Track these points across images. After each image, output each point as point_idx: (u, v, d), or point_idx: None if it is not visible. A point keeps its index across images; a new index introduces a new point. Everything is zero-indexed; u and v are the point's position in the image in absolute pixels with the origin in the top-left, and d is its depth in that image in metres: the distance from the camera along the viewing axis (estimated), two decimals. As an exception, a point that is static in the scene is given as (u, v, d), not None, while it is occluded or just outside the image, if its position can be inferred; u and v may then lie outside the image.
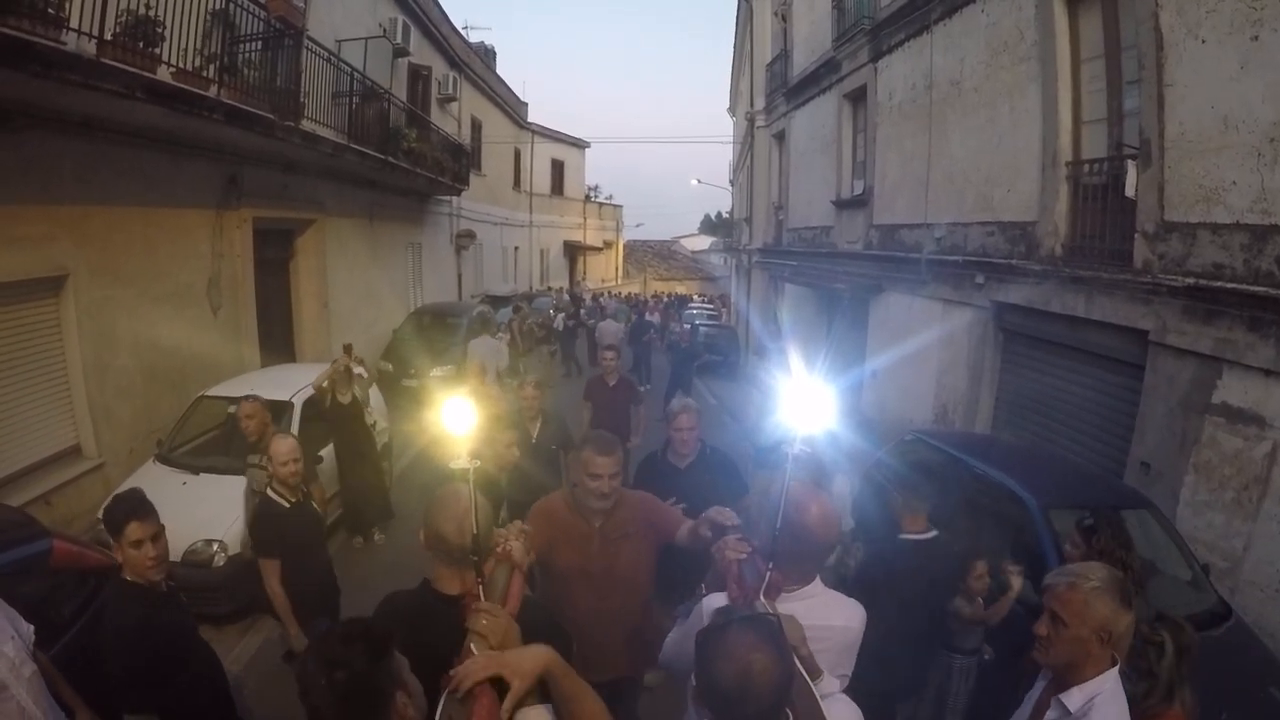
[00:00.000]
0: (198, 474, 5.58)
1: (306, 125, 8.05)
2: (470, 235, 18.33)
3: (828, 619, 2.08)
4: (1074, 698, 1.97)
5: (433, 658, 1.58)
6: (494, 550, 2.09)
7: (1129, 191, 5.80)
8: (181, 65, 5.84)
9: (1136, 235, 5.69)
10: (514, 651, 1.58)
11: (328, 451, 5.91)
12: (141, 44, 5.43)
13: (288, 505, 3.67)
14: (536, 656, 1.53)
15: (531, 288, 25.79)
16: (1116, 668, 1.99)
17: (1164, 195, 5.44)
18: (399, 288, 13.98)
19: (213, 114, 6.07)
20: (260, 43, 7.26)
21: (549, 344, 15.85)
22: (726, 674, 1.41)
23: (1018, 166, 7.16)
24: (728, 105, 31.31)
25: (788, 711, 1.52)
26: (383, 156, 10.02)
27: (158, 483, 5.44)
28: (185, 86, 5.80)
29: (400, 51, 12.50)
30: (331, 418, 5.91)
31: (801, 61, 13.87)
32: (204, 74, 6.14)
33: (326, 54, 8.23)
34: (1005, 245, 7.30)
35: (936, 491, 5.01)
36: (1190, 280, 5.08)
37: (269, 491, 3.69)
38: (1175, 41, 5.29)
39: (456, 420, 1.92)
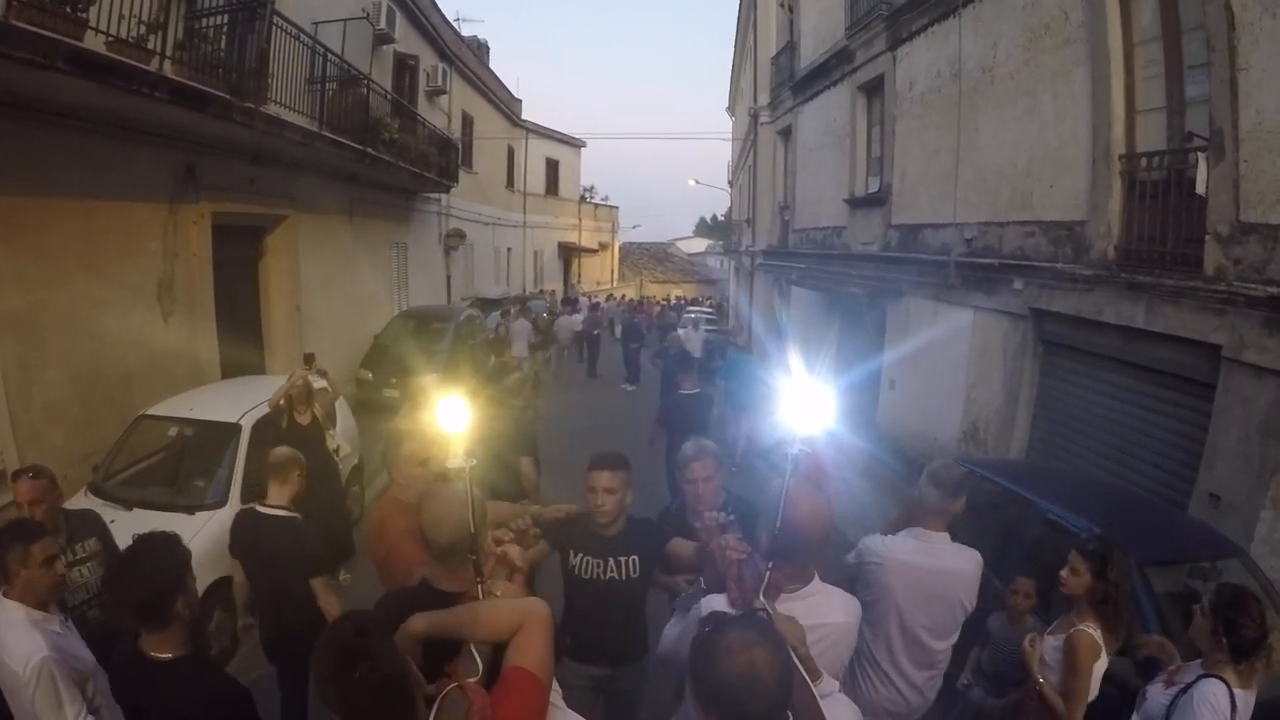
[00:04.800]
0: (130, 509, 4.79)
1: (273, 110, 7.26)
2: (460, 235, 17.57)
3: (827, 616, 2.13)
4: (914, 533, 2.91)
5: (431, 658, 1.62)
6: (492, 552, 2.10)
7: (1199, 188, 5.17)
8: (118, 34, 5.06)
9: (1207, 238, 5.08)
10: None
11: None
12: (66, 7, 4.65)
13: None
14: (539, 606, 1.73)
15: (525, 290, 25.01)
16: (942, 534, 2.87)
17: (1239, 193, 4.83)
18: (382, 290, 13.21)
19: (154, 91, 5.28)
20: (220, 16, 6.48)
21: (544, 349, 15.12)
22: (732, 674, 1.39)
23: (1062, 160, 6.47)
24: (727, 104, 30.73)
25: (787, 712, 1.51)
26: (360, 147, 9.23)
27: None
28: (120, 58, 5.01)
29: (384, 38, 11.72)
30: (287, 442, 5.11)
31: (810, 53, 13.17)
32: (146, 45, 5.35)
33: (296, 31, 7.44)
34: (1048, 247, 6.59)
35: (997, 537, 4.35)
36: (1273, 289, 4.47)
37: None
38: (1249, 21, 4.70)
39: (450, 419, 1.95)
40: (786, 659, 1.50)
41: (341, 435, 5.75)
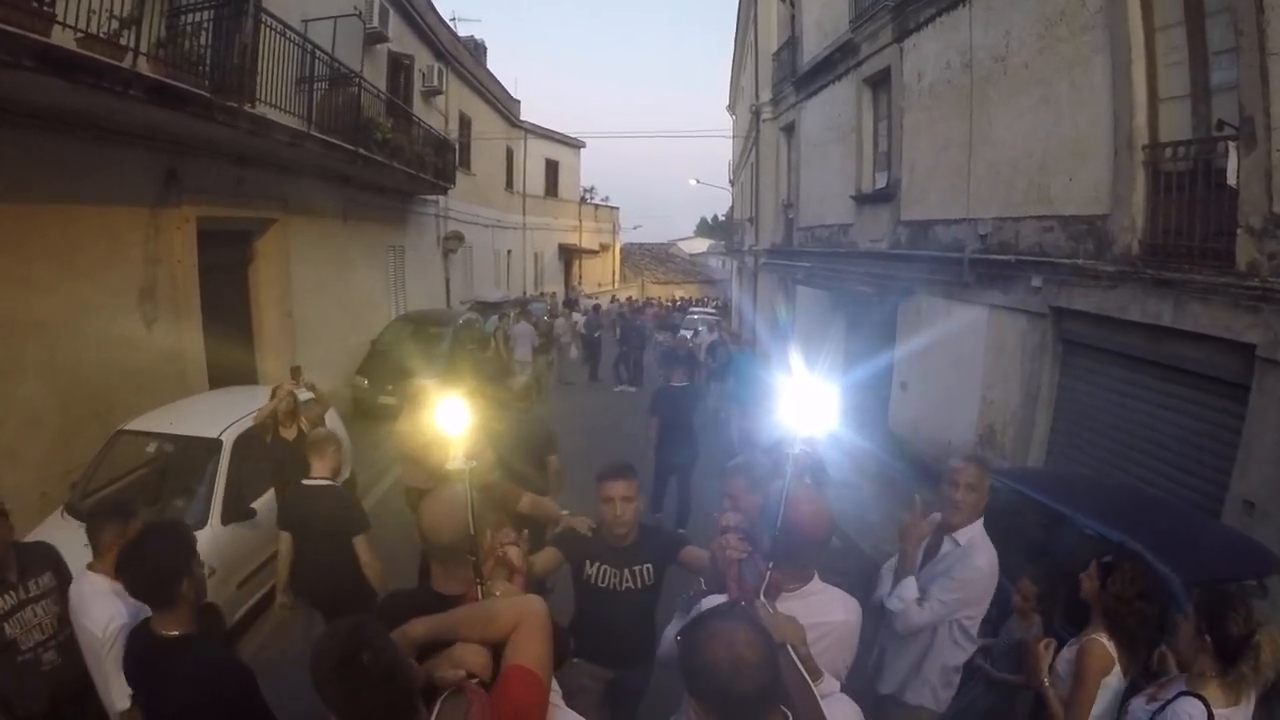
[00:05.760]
0: (105, 530, 4.52)
1: (261, 110, 6.99)
2: (458, 237, 17.28)
3: (827, 615, 2.13)
4: (964, 535, 2.90)
5: (431, 658, 1.62)
6: (492, 554, 2.12)
7: (1230, 179, 4.93)
8: (88, 30, 4.81)
9: (1239, 231, 4.85)
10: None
11: (265, 501, 4.83)
12: (32, 1, 4.40)
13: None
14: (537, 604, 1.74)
15: (525, 293, 24.73)
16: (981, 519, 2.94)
17: (1272, 184, 4.57)
18: (378, 294, 12.92)
19: (128, 90, 5.02)
20: (203, 12, 6.22)
21: (546, 353, 14.84)
22: (715, 655, 1.42)
23: (1082, 152, 6.20)
24: (727, 103, 30.45)
25: (786, 712, 1.52)
26: (352, 148, 8.94)
27: (55, 544, 4.40)
28: (91, 55, 4.75)
29: (377, 37, 11.45)
30: (272, 458, 4.87)
31: (813, 47, 12.89)
32: (120, 41, 5.10)
33: (282, 27, 7.16)
34: (1068, 243, 6.31)
35: (1026, 556, 4.07)
36: (1312, 286, 4.19)
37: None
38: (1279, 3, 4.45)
39: (451, 421, 2.00)
40: (769, 639, 1.51)
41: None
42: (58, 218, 5.77)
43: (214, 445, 4.78)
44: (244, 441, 4.90)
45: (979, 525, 2.94)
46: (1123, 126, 5.77)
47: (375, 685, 1.36)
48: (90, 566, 2.72)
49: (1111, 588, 2.63)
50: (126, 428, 5.17)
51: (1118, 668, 2.58)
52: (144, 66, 5.36)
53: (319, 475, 3.92)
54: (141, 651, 2.25)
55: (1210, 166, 5.11)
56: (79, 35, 4.81)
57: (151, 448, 5.11)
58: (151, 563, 2.18)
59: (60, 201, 5.78)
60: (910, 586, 2.80)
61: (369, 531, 3.86)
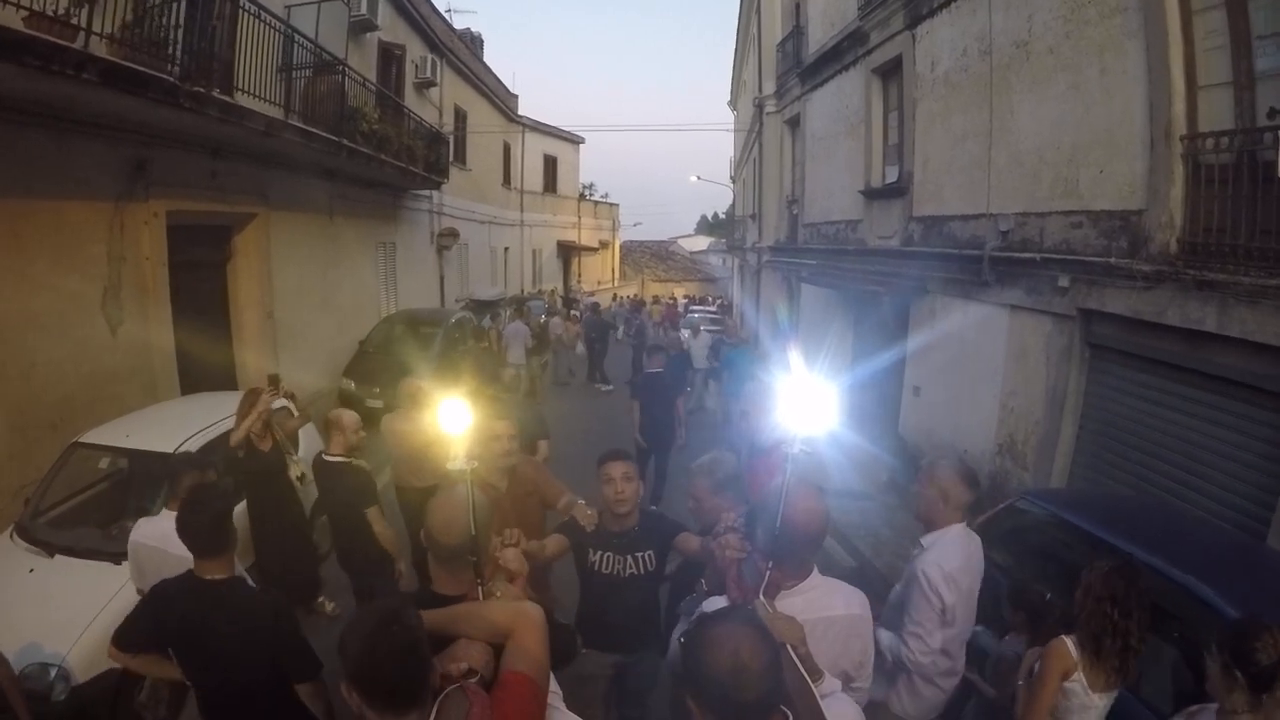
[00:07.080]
0: (53, 556, 4.13)
1: (237, 98, 6.55)
2: (453, 234, 16.85)
3: (827, 609, 2.11)
4: (929, 538, 2.90)
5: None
6: (494, 556, 2.12)
7: None
8: (33, 8, 4.39)
9: None
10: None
11: (237, 514, 4.41)
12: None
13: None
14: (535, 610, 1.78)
15: (523, 290, 24.30)
16: (963, 524, 2.90)
17: None
18: (367, 293, 12.50)
19: (81, 73, 4.59)
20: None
21: (540, 355, 14.41)
22: (718, 663, 1.40)
23: (1113, 143, 5.77)
24: (729, 98, 30.00)
25: (786, 712, 1.51)
26: (334, 138, 8.49)
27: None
28: (37, 34, 4.33)
29: (366, 25, 11.01)
30: (245, 470, 4.50)
31: (819, 37, 12.45)
32: (72, 21, 4.67)
33: (257, 9, 6.71)
34: (1098, 240, 5.89)
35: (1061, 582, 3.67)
36: (1375, 288, 3.79)
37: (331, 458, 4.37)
38: (1335, -19, 4.10)
39: (452, 421, 1.98)
40: (773, 645, 1.49)
41: (307, 461, 5.05)
42: (5, 213, 5.34)
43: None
44: (206, 455, 4.47)
45: (954, 530, 2.89)
46: (1159, 116, 5.35)
47: (395, 657, 1.41)
48: (170, 507, 3.33)
49: (1082, 591, 2.52)
50: (82, 440, 4.76)
51: (1081, 674, 2.46)
52: (101, 49, 4.94)
53: (335, 452, 4.33)
54: (190, 597, 2.43)
55: (1256, 159, 4.71)
56: (25, 14, 4.39)
57: (105, 463, 4.69)
58: (210, 513, 2.47)
59: (10, 196, 5.35)
60: (882, 636, 2.80)
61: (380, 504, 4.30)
